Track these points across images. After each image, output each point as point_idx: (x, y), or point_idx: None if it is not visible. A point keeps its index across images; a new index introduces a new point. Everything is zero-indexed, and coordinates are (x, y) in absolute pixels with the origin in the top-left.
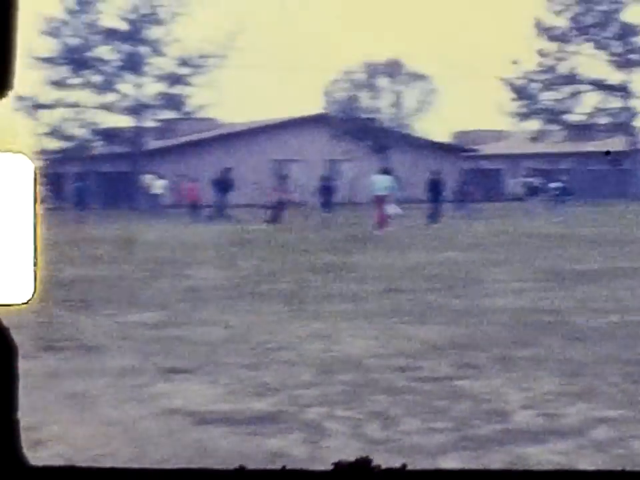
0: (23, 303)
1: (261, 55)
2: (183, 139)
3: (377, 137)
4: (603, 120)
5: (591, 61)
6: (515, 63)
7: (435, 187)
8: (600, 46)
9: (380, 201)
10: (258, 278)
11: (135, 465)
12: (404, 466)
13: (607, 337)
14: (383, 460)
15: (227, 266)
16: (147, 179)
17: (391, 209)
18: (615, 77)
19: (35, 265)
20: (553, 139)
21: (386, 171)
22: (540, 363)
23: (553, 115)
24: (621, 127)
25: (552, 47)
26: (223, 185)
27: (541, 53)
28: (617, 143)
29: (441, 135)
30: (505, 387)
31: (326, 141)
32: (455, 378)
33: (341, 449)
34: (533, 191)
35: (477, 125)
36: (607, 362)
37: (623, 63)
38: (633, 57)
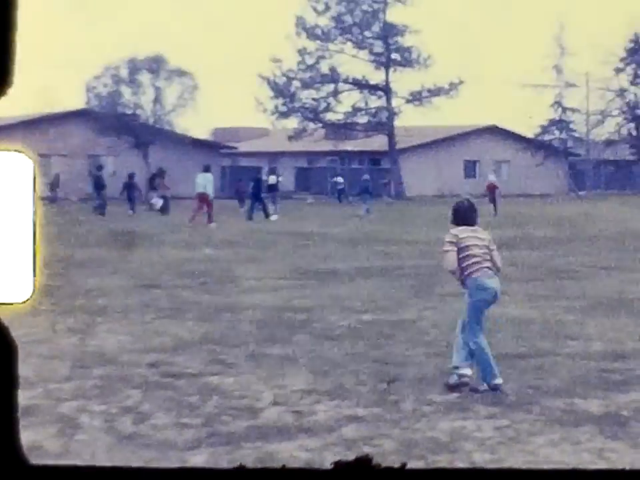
0: (22, 302)
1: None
2: None
3: (138, 133)
4: (363, 119)
5: (352, 60)
6: (275, 61)
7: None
8: (361, 45)
9: (201, 197)
10: None
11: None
12: (403, 465)
13: (358, 336)
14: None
15: None
16: None
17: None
18: (375, 76)
19: (35, 264)
20: (312, 137)
21: (207, 170)
22: (291, 361)
23: (312, 113)
24: (380, 126)
25: (313, 45)
26: None
27: (302, 52)
28: (376, 142)
29: (201, 132)
30: (255, 384)
31: (88, 136)
32: (206, 374)
33: (92, 442)
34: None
35: (237, 123)
36: (356, 360)
37: (384, 63)
38: (394, 56)
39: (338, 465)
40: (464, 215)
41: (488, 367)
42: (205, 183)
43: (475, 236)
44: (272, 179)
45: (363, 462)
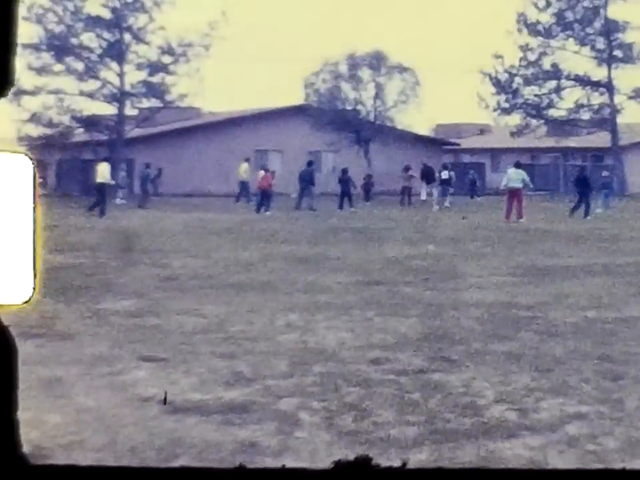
0: (23, 303)
1: (244, 45)
2: (165, 128)
3: (359, 129)
4: (585, 116)
5: (574, 57)
6: (497, 57)
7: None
8: (583, 42)
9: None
10: None
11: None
12: (404, 464)
13: (582, 333)
14: None
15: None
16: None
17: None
18: (597, 72)
19: (35, 264)
20: (534, 134)
21: (518, 166)
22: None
23: (534, 110)
24: (603, 122)
25: (535, 41)
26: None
27: (524, 48)
28: (599, 139)
29: (423, 128)
30: (479, 381)
31: (307, 132)
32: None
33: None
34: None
35: (459, 119)
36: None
37: (606, 59)
38: (615, 52)
39: (338, 464)
40: None
41: None
42: (518, 177)
43: None
44: (444, 174)
45: (363, 461)
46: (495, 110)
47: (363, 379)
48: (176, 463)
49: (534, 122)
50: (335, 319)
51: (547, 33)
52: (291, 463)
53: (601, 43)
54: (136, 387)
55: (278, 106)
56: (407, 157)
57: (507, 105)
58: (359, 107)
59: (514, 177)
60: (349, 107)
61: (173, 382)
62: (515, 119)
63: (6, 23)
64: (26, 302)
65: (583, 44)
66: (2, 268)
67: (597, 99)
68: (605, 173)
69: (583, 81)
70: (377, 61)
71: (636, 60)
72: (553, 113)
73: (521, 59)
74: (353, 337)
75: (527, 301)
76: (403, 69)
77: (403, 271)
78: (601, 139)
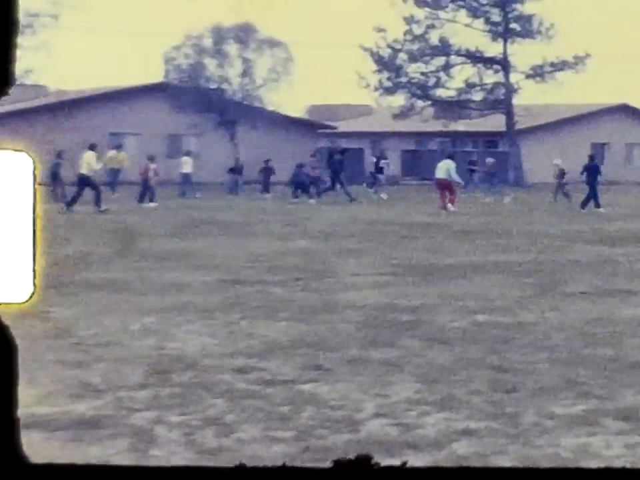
0: (22, 302)
1: (97, 15)
2: (5, 108)
3: (224, 110)
4: (477, 96)
5: (465, 30)
6: (379, 30)
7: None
8: (476, 14)
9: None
10: None
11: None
12: (403, 464)
13: (471, 339)
14: None
15: None
16: None
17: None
18: (491, 48)
19: (35, 263)
20: (420, 116)
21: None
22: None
23: (420, 90)
24: (497, 104)
25: (422, 13)
26: None
27: (409, 20)
28: (492, 122)
29: (296, 110)
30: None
31: (167, 113)
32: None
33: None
34: None
35: (336, 100)
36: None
37: (502, 33)
38: (512, 26)
39: (337, 463)
40: None
41: None
42: (443, 167)
43: None
44: (382, 163)
45: (363, 460)
46: (376, 90)
47: (226, 390)
48: None
49: (420, 103)
50: (196, 322)
51: (435, 3)
52: None
53: (496, 15)
54: None
55: (135, 84)
56: (278, 142)
57: (389, 84)
58: (225, 86)
59: (441, 167)
60: (213, 86)
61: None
62: (399, 99)
63: (6, 23)
64: (25, 301)
65: (475, 16)
66: (2, 267)
67: (491, 77)
68: (489, 160)
69: (475, 58)
70: (245, 34)
71: (535, 34)
72: (441, 93)
73: (405, 33)
74: (216, 343)
75: (410, 303)
76: (273, 44)
77: (273, 269)
78: (495, 123)
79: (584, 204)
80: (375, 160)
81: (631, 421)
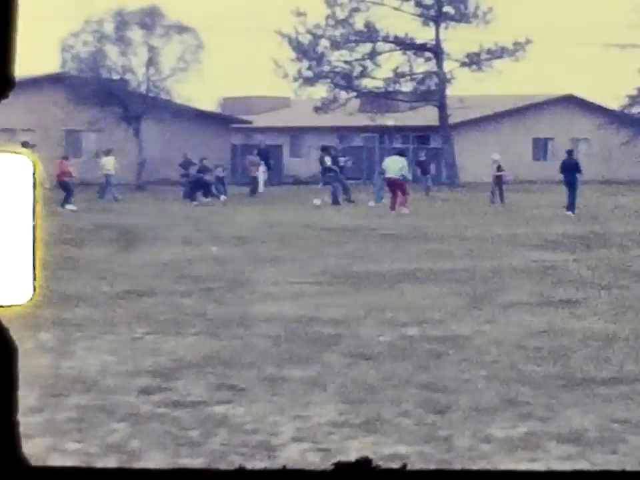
0: (23, 304)
1: None
2: None
3: (127, 103)
4: (407, 87)
5: (394, 14)
6: (299, 14)
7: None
8: None
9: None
10: None
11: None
12: (404, 466)
13: (400, 355)
14: None
15: None
16: None
17: None
18: (423, 34)
19: (35, 265)
20: (344, 109)
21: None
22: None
23: (344, 80)
24: (429, 95)
25: None
26: None
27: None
28: (424, 116)
29: (207, 102)
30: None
31: (64, 107)
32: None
33: None
34: None
35: (251, 91)
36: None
37: (434, 17)
38: (445, 9)
39: (338, 465)
40: None
41: None
42: (395, 167)
43: None
44: (327, 161)
45: (363, 462)
46: (295, 80)
47: (129, 413)
48: None
49: (343, 94)
50: (96, 338)
51: None
52: None
53: None
54: None
55: (28, 75)
56: (187, 137)
57: (310, 74)
58: (129, 76)
59: (391, 166)
60: (115, 76)
61: None
62: (321, 90)
63: (6, 23)
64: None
65: None
66: (2, 269)
67: (422, 66)
68: (420, 157)
69: (404, 44)
70: (151, 19)
71: (471, 18)
72: (367, 83)
73: (327, 17)
74: (118, 361)
75: (333, 315)
76: (182, 29)
77: (182, 278)
78: (427, 116)
79: (569, 208)
80: (327, 157)
81: (577, 445)
